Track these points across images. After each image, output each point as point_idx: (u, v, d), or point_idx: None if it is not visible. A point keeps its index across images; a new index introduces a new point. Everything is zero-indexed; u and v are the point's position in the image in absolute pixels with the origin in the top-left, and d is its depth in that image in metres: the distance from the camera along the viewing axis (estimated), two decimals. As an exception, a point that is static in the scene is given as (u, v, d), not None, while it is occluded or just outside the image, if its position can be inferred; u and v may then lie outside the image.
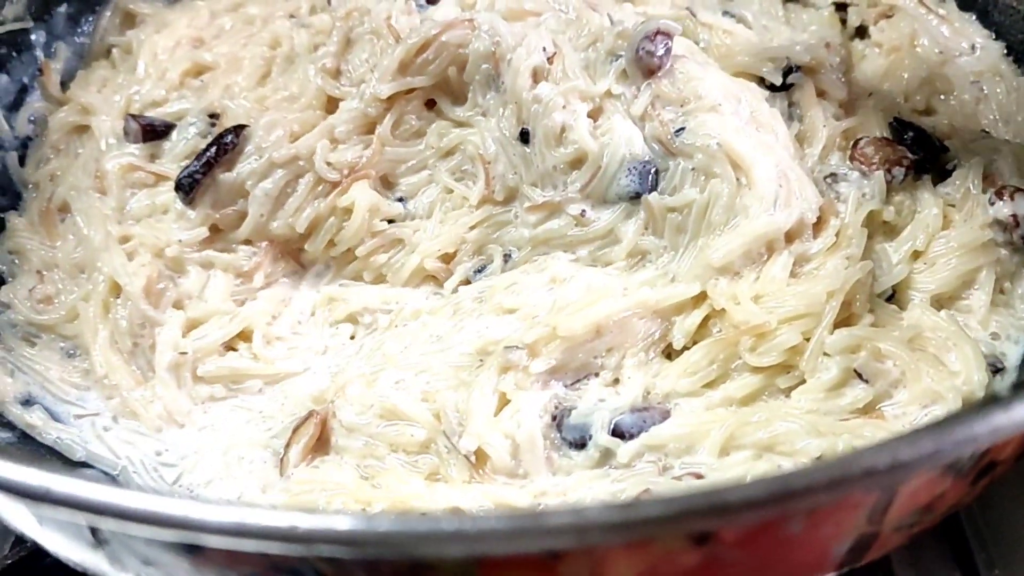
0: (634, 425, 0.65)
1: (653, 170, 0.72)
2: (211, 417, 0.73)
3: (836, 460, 0.37)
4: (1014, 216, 0.69)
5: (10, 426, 0.69)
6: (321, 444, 0.68)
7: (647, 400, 0.66)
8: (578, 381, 0.68)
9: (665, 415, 0.65)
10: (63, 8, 0.96)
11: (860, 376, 0.63)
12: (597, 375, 0.68)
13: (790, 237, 0.69)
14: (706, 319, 0.68)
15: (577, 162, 0.73)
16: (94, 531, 0.44)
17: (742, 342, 0.65)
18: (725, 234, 0.68)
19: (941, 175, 0.75)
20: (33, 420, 0.68)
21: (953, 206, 0.73)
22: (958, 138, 0.77)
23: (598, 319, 0.67)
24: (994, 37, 0.89)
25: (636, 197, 0.72)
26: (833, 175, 0.75)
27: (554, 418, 0.66)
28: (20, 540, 0.82)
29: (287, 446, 0.67)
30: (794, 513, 0.41)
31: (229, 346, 0.76)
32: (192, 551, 0.43)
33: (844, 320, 0.66)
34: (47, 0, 0.94)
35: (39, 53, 0.94)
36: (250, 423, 0.72)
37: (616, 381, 0.68)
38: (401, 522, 0.36)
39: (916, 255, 0.70)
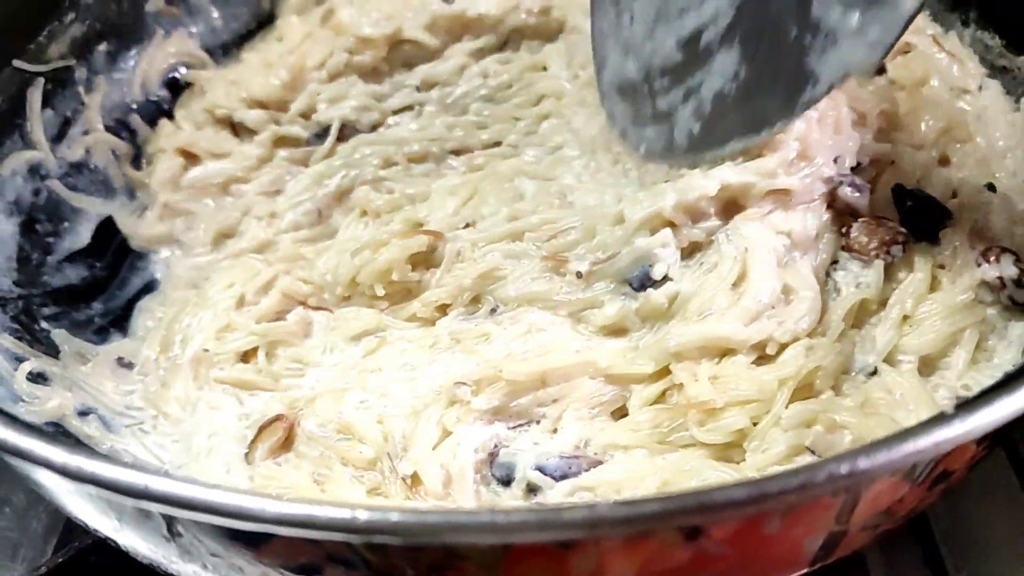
0: (558, 468, 0.68)
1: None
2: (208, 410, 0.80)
3: (804, 467, 0.44)
4: (1000, 278, 0.72)
5: (68, 434, 0.75)
6: (287, 444, 0.74)
7: (581, 450, 0.69)
8: (519, 425, 0.72)
9: (594, 464, 0.68)
10: (103, 46, 1.03)
11: (811, 451, 0.65)
12: (538, 423, 0.72)
13: (758, 345, 0.71)
14: (665, 391, 0.71)
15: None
16: (170, 526, 0.51)
17: (690, 415, 0.68)
18: (691, 324, 0.71)
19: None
20: (91, 431, 0.75)
21: (943, 267, 0.75)
22: (963, 194, 0.79)
23: (543, 369, 0.71)
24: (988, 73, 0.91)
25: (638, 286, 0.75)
26: (835, 262, 0.77)
27: (490, 455, 0.70)
28: (63, 543, 0.89)
29: (254, 441, 0.74)
30: (770, 512, 0.48)
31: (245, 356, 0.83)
32: (257, 542, 0.50)
33: (806, 395, 0.69)
34: (88, 39, 1.02)
35: (80, 88, 1.01)
36: (235, 417, 0.79)
37: (555, 431, 0.71)
38: (444, 515, 0.43)
39: (905, 319, 0.72)
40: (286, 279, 0.86)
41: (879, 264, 0.75)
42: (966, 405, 0.48)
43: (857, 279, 0.76)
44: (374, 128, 1.01)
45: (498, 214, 0.86)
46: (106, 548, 0.80)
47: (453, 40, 1.04)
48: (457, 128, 0.99)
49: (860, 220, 0.78)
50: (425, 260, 0.84)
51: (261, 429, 0.75)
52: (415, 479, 0.67)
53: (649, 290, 0.74)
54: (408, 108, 1.02)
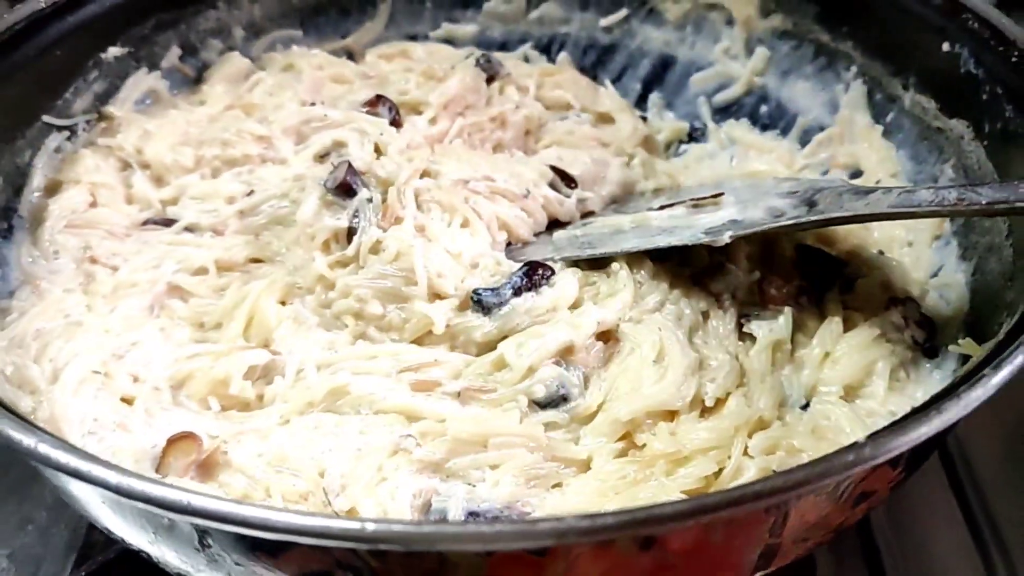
0: (490, 513, 0.72)
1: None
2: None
3: (735, 487, 0.53)
4: (905, 319, 0.87)
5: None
6: (207, 468, 0.76)
7: (515, 507, 0.74)
8: (457, 479, 0.77)
9: (523, 516, 0.72)
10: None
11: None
12: (474, 486, 0.76)
13: (695, 401, 0.81)
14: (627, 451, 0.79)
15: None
16: (202, 538, 0.60)
17: (658, 466, 0.75)
18: (633, 398, 0.80)
19: (847, 285, 0.92)
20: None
21: (859, 311, 0.89)
22: (857, 261, 0.94)
23: (487, 430, 0.77)
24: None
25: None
26: (746, 315, 0.88)
27: (425, 504, 0.74)
28: (83, 559, 0.97)
29: (164, 453, 0.76)
30: (713, 525, 0.57)
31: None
32: (277, 551, 0.58)
33: (759, 429, 0.79)
34: (108, 94, 1.10)
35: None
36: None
37: (495, 484, 0.76)
38: (439, 527, 0.52)
39: (826, 355, 0.85)
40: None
41: (788, 311, 0.87)
42: (875, 435, 0.57)
43: (769, 326, 0.87)
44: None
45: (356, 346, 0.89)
46: (127, 561, 0.89)
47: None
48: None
49: (769, 277, 0.91)
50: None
51: (170, 442, 0.77)
52: (351, 514, 0.71)
53: (573, 403, 0.82)
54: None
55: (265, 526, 0.52)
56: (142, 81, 1.12)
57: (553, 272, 0.90)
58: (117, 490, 0.53)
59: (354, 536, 0.51)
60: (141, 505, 0.54)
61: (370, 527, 0.51)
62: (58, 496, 0.98)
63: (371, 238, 0.91)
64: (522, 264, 0.90)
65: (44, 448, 0.56)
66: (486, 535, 0.51)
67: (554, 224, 1.03)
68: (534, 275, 0.89)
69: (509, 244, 0.97)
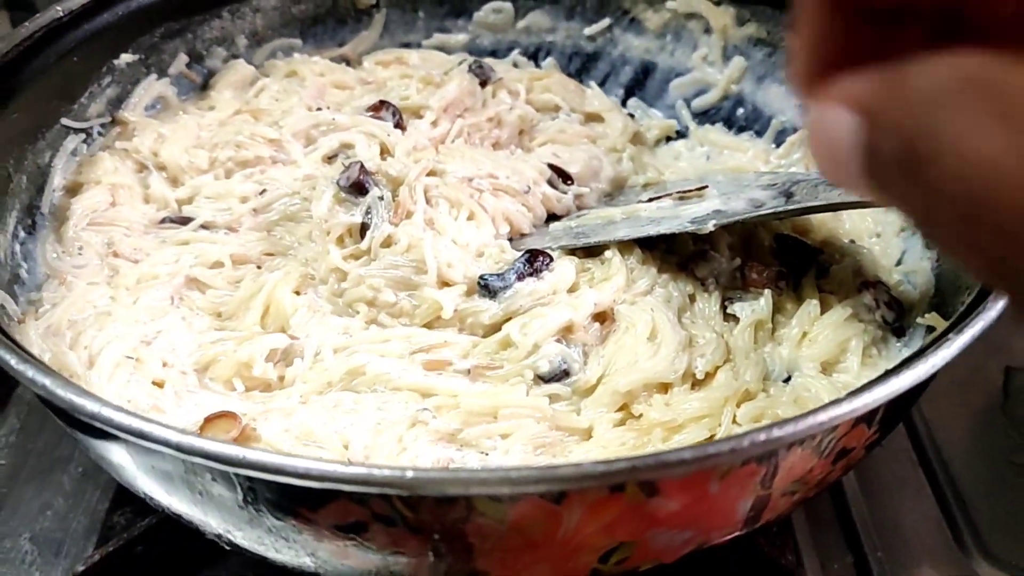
0: None
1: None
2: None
3: (734, 436, 0.60)
4: (875, 301, 0.94)
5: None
6: (238, 443, 0.79)
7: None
8: (471, 448, 0.83)
9: None
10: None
11: None
12: (486, 455, 0.82)
13: (687, 375, 0.88)
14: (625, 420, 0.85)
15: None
16: (246, 495, 0.65)
17: (654, 433, 0.82)
18: (630, 371, 0.86)
19: (822, 271, 1.00)
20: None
21: (833, 293, 0.97)
22: (830, 248, 1.02)
23: (496, 403, 0.84)
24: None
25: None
26: (729, 299, 0.96)
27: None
28: (103, 540, 1.01)
29: (202, 430, 0.80)
30: (712, 473, 0.64)
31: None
32: (317, 505, 0.64)
33: (746, 399, 0.86)
34: (120, 99, 1.16)
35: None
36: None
37: (506, 453, 0.82)
38: (471, 472, 0.58)
39: (804, 335, 0.92)
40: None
41: (768, 294, 0.95)
42: (853, 392, 0.64)
43: (751, 308, 0.95)
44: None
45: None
46: (149, 538, 0.94)
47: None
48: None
49: (750, 264, 0.98)
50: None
51: (208, 421, 0.81)
52: None
53: (574, 376, 0.89)
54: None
55: (317, 476, 0.58)
56: (152, 87, 1.17)
57: (552, 259, 0.96)
58: (178, 447, 0.59)
59: (395, 482, 0.57)
60: (199, 460, 0.60)
61: (409, 474, 0.57)
62: (74, 486, 1.05)
63: (383, 233, 0.97)
64: (523, 252, 0.97)
65: (108, 412, 0.61)
66: (513, 478, 0.58)
67: (552, 218, 1.10)
68: (535, 261, 0.95)
69: (511, 238, 1.04)
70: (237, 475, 0.63)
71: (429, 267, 0.94)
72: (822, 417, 0.61)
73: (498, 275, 0.95)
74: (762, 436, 0.60)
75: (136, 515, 0.97)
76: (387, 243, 0.97)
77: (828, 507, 1.06)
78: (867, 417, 0.69)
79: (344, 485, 0.58)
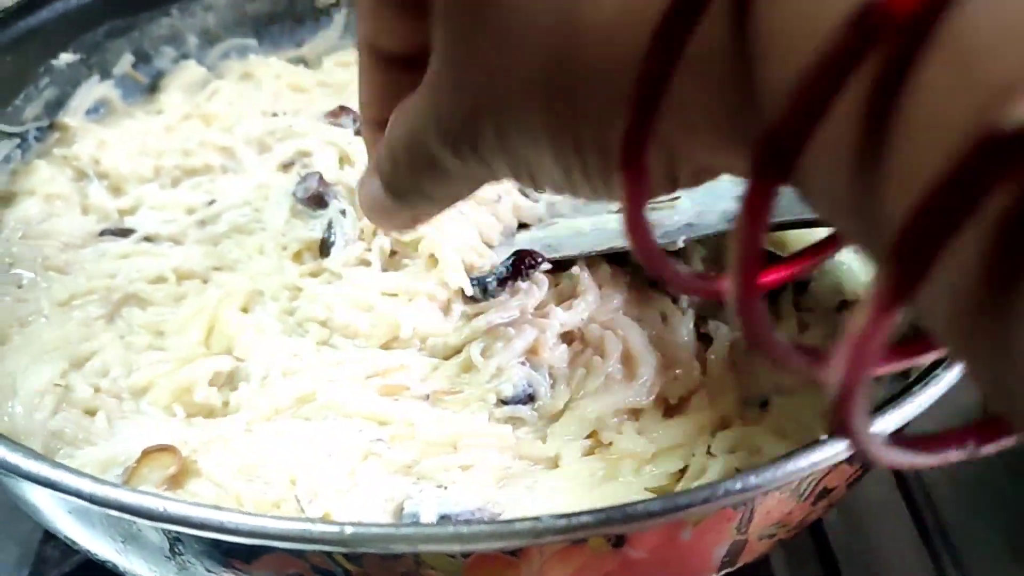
0: (462, 513, 0.70)
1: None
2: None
3: (704, 485, 0.54)
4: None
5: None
6: (176, 477, 0.74)
7: (485, 510, 0.72)
8: (428, 481, 0.76)
9: (494, 517, 0.71)
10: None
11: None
12: (446, 488, 0.75)
13: (659, 400, 0.81)
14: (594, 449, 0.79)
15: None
16: (173, 545, 0.59)
17: (625, 463, 0.76)
18: (601, 396, 0.81)
19: (800, 288, 0.93)
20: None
21: (812, 311, 0.90)
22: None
23: (454, 433, 0.77)
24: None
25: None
26: (704, 317, 0.89)
27: (399, 507, 0.73)
28: (38, 572, 0.95)
29: (137, 463, 0.73)
30: (683, 523, 0.59)
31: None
32: (251, 557, 0.58)
33: (722, 427, 0.80)
34: (60, 102, 1.09)
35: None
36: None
37: (466, 486, 0.75)
38: (417, 528, 0.53)
39: None
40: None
41: None
42: (835, 433, 0.59)
43: (729, 323, 0.88)
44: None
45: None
46: (82, 574, 0.88)
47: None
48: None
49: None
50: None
51: (145, 454, 0.74)
52: (325, 519, 0.69)
53: (540, 401, 0.82)
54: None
55: (244, 532, 0.52)
56: (95, 89, 1.10)
57: (543, 259, 0.91)
58: (91, 499, 0.53)
59: (333, 540, 0.51)
60: (114, 513, 0.53)
61: (348, 530, 0.51)
62: (6, 515, 0.98)
63: (353, 253, 0.92)
64: (511, 254, 0.91)
65: (14, 458, 0.55)
66: (464, 536, 0.52)
67: (523, 227, 1.04)
68: (521, 264, 0.90)
69: None
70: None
71: (449, 263, 0.89)
72: (802, 463, 0.56)
73: (488, 275, 0.90)
74: (737, 485, 0.55)
75: (70, 548, 0.91)
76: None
77: (806, 535, 1.02)
78: (850, 457, 0.64)
79: (277, 542, 0.52)
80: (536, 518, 0.53)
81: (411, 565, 0.57)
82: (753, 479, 0.55)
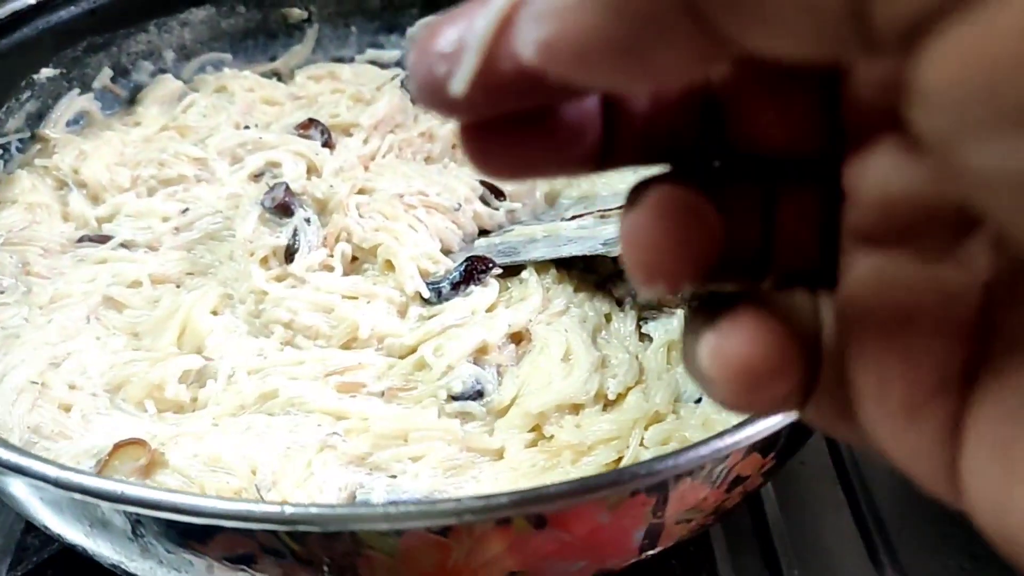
0: (410, 500, 0.75)
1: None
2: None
3: (616, 470, 0.60)
4: None
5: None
6: (147, 471, 0.80)
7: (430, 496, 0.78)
8: (381, 472, 0.82)
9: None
10: (53, 118, 1.17)
11: None
12: (396, 477, 0.81)
13: (599, 395, 0.87)
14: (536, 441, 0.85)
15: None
16: (135, 528, 0.65)
17: (564, 455, 0.82)
18: (542, 393, 0.86)
19: None
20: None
21: None
22: None
23: (407, 426, 0.83)
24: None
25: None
26: (644, 318, 0.95)
27: (352, 496, 0.79)
28: (19, 561, 1.00)
29: (110, 456, 0.79)
30: (600, 504, 0.65)
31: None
32: (205, 537, 0.64)
33: (656, 421, 0.86)
34: (41, 114, 1.15)
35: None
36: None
37: (416, 476, 0.81)
38: (351, 508, 0.58)
39: None
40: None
41: (680, 313, 0.95)
42: (739, 424, 0.65)
43: (664, 327, 0.95)
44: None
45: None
46: (61, 562, 0.94)
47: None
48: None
49: None
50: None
51: (117, 447, 0.80)
52: None
53: (488, 397, 0.88)
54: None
55: (193, 511, 0.58)
56: (75, 102, 1.16)
57: (494, 264, 0.98)
58: (56, 483, 0.59)
59: (274, 518, 0.57)
60: (78, 496, 0.59)
61: (288, 510, 0.57)
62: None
63: (316, 258, 0.98)
64: (463, 260, 0.98)
65: (-12, 447, 0.61)
66: (392, 515, 0.58)
67: (483, 233, 1.10)
68: (473, 269, 0.98)
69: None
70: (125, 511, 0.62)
71: (404, 270, 0.97)
72: (703, 451, 0.62)
73: (438, 283, 0.97)
74: (643, 470, 0.60)
75: (49, 538, 0.97)
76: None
77: (747, 525, 1.08)
78: (760, 446, 0.69)
79: (225, 521, 0.58)
80: (458, 499, 0.59)
81: (351, 545, 0.62)
82: (658, 465, 0.61)
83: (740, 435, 0.63)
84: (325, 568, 0.64)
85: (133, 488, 0.58)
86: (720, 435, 0.64)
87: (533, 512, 0.61)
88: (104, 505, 0.61)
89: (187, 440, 0.85)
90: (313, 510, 0.58)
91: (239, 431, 0.86)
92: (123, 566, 0.72)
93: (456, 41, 0.26)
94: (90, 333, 0.95)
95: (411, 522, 0.58)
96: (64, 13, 1.12)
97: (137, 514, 0.62)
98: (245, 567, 0.65)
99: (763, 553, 1.06)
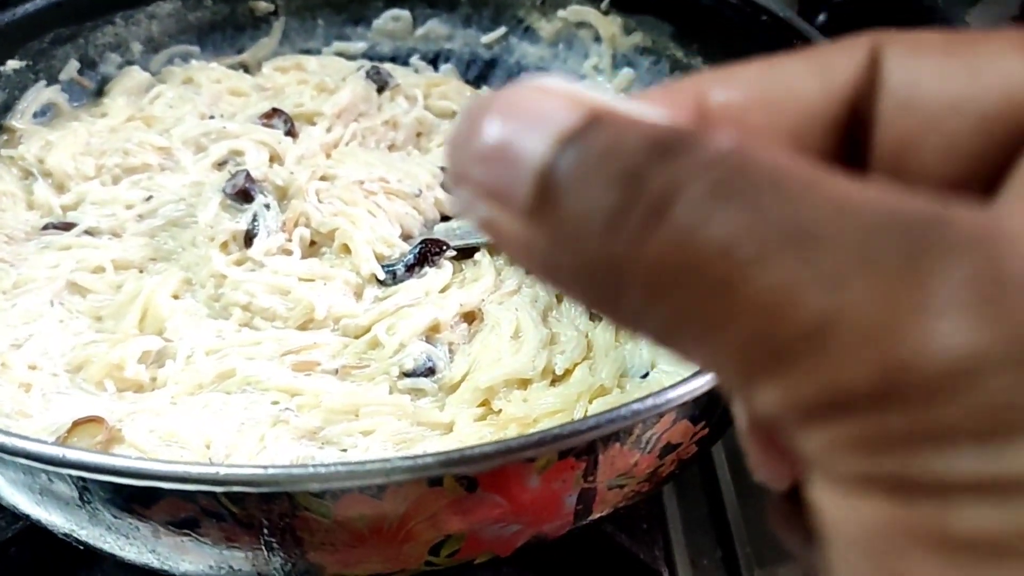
0: None
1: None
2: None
3: (539, 432, 0.63)
4: None
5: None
6: (105, 447, 0.82)
7: None
8: (332, 446, 0.85)
9: None
10: (23, 110, 1.19)
11: None
12: (347, 451, 0.84)
13: (546, 371, 0.90)
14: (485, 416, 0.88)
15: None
16: (82, 494, 0.68)
17: (511, 428, 0.85)
18: (491, 368, 0.89)
19: None
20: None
21: None
22: None
23: (357, 402, 0.86)
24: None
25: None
26: None
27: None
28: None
29: (68, 433, 0.81)
30: (528, 467, 0.67)
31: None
32: (148, 501, 0.66)
33: (601, 395, 0.89)
34: (8, 106, 1.17)
35: None
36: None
37: (366, 450, 0.84)
38: (280, 469, 0.61)
39: None
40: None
41: None
42: (666, 389, 0.68)
43: None
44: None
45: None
46: (23, 541, 0.96)
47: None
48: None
49: None
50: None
51: (76, 425, 0.82)
52: None
53: (440, 374, 0.91)
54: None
55: (133, 473, 0.60)
56: (42, 93, 1.18)
57: (448, 247, 1.01)
58: (2, 448, 0.61)
59: (208, 479, 0.60)
60: (22, 461, 0.62)
61: (222, 471, 0.60)
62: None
63: (275, 242, 1.00)
64: (418, 243, 1.02)
65: (-65, 414, 0.63)
66: (322, 475, 0.60)
67: (445, 219, 1.13)
68: (427, 252, 1.01)
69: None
70: (69, 475, 0.65)
71: (360, 253, 0.99)
72: (623, 412, 0.64)
73: (397, 262, 1.01)
74: (565, 431, 0.63)
75: (15, 517, 0.99)
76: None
77: (703, 506, 1.11)
78: (687, 413, 0.72)
79: (163, 483, 0.61)
80: (386, 459, 0.61)
81: (287, 507, 0.65)
82: (579, 426, 0.63)
83: (661, 399, 0.66)
84: (265, 531, 0.67)
85: (74, 452, 0.61)
86: (642, 399, 0.67)
87: (461, 472, 0.63)
88: (49, 470, 0.63)
89: (145, 417, 0.88)
90: (246, 471, 0.60)
91: (196, 408, 0.89)
92: (75, 534, 0.74)
93: None
94: (53, 316, 0.98)
95: (341, 482, 0.61)
96: (30, 5, 1.14)
97: (82, 478, 0.64)
98: (189, 531, 0.68)
99: (717, 532, 1.09)
